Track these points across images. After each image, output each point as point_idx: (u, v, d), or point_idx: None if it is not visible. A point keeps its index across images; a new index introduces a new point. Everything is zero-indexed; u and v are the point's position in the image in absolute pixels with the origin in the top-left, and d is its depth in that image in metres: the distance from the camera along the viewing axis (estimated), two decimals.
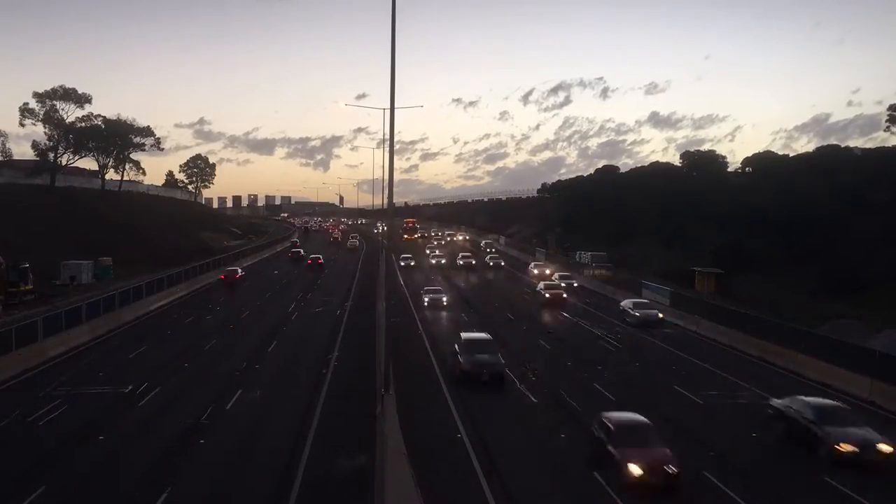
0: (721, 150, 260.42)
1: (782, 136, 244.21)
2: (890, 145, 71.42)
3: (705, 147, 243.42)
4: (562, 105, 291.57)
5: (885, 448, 17.81)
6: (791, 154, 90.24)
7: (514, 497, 16.38)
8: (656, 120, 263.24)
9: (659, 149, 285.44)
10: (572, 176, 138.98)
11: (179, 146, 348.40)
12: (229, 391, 24.76)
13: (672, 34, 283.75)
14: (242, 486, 16.94)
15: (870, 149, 77.91)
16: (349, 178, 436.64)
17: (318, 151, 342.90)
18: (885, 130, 70.05)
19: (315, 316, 41.74)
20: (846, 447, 17.81)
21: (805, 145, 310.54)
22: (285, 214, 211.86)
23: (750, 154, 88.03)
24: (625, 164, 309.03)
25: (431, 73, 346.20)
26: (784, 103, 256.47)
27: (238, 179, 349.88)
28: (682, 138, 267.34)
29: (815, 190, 58.86)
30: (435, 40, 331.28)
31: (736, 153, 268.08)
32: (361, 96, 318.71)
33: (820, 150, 79.55)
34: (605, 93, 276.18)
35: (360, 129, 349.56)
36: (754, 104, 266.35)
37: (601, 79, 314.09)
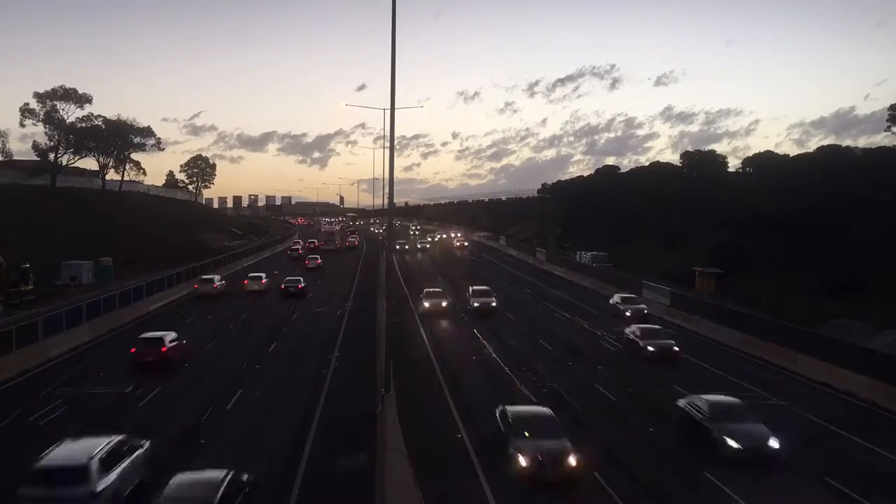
0: (738, 145, 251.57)
1: (798, 131, 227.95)
2: (891, 145, 71.46)
3: (722, 142, 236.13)
4: (571, 97, 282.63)
5: None
6: (801, 152, 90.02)
7: (514, 497, 16.40)
8: (669, 114, 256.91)
9: (671, 144, 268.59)
10: (581, 174, 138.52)
11: (177, 144, 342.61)
12: (230, 391, 24.77)
13: (690, 18, 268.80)
14: None
15: (870, 149, 78.00)
16: (349, 175, 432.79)
17: (316, 149, 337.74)
18: (885, 131, 70.11)
19: (315, 316, 41.73)
20: None
21: (822, 141, 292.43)
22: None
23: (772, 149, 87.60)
24: (636, 160, 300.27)
25: (434, 64, 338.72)
26: (807, 95, 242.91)
27: (236, 178, 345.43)
28: (697, 131, 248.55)
29: (816, 190, 58.86)
30: (437, 29, 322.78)
31: (753, 149, 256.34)
32: (361, 87, 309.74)
33: (820, 150, 79.68)
34: (615, 84, 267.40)
35: (359, 125, 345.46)
36: (775, 96, 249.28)
37: (612, 69, 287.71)
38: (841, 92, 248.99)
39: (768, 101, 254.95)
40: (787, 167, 76.88)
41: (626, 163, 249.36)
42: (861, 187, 57.91)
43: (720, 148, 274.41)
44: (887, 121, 68.71)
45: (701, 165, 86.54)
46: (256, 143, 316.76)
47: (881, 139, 70.51)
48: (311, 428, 20.90)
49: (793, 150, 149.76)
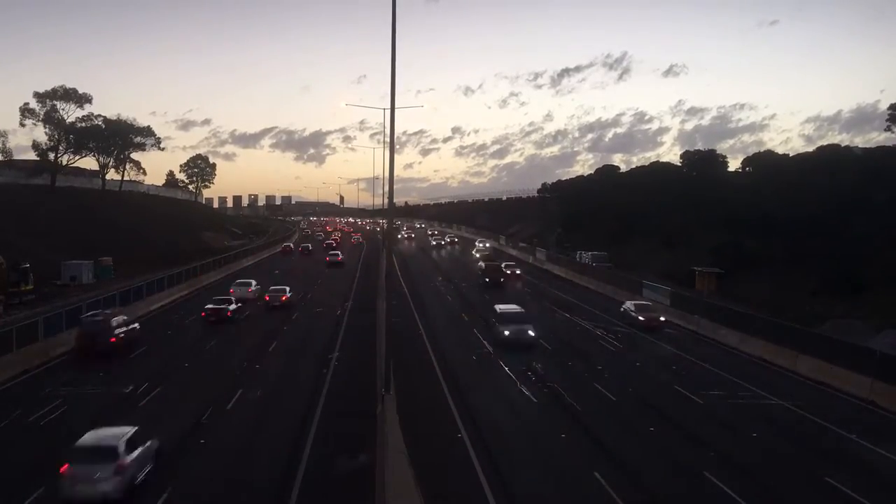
0: (752, 140, 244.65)
1: (812, 126, 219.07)
2: (891, 144, 71.31)
3: (735, 138, 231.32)
4: (578, 90, 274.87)
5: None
6: (802, 151, 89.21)
7: (514, 497, 16.41)
8: (680, 108, 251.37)
9: (682, 139, 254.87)
10: (587, 172, 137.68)
11: (169, 140, 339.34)
12: (230, 391, 24.78)
13: (704, 6, 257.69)
14: (243, 485, 16.97)
15: (870, 148, 77.90)
16: (346, 174, 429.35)
17: (313, 146, 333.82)
18: (885, 130, 69.99)
19: (316, 316, 41.74)
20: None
21: (838, 137, 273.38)
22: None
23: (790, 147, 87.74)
24: (646, 157, 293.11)
25: (435, 54, 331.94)
26: (826, 89, 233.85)
27: (231, 176, 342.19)
28: (708, 125, 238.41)
29: (816, 189, 58.78)
30: (438, 18, 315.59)
31: (768, 145, 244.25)
32: (361, 79, 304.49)
33: (821, 150, 79.59)
34: (623, 76, 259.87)
35: (358, 122, 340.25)
36: (792, 90, 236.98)
37: (624, 56, 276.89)
38: (863, 86, 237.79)
39: (785, 95, 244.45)
40: (787, 166, 76.82)
41: (636, 160, 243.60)
42: (861, 187, 57.84)
43: (732, 144, 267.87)
44: (887, 120, 68.61)
45: (701, 165, 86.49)
46: (250, 140, 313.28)
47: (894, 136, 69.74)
48: (311, 428, 20.92)
49: (809, 148, 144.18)
